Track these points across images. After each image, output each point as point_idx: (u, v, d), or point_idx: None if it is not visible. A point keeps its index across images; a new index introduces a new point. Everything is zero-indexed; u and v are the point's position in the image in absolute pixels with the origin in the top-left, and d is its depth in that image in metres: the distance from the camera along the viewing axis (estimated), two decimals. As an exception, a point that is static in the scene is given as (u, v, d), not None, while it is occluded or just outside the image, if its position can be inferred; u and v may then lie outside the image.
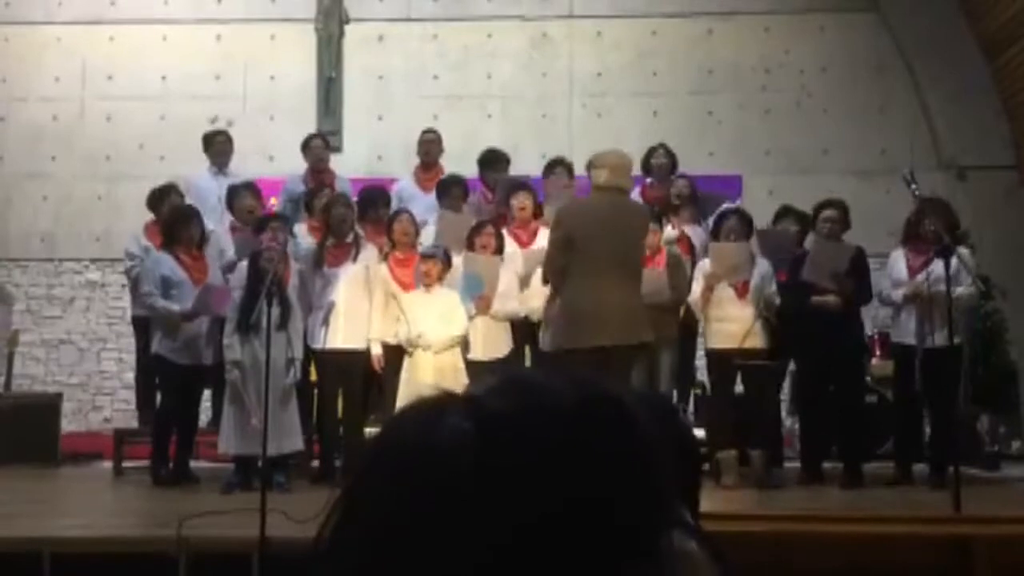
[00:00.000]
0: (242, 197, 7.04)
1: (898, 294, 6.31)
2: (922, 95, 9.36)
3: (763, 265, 6.40)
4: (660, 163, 7.32)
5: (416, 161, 7.80)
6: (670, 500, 0.69)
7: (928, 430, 6.47)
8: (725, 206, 7.14)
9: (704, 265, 6.46)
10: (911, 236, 6.37)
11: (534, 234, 6.70)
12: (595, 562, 0.63)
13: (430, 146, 7.69)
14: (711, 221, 7.08)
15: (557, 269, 5.39)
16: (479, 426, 0.64)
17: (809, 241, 6.70)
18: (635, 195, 7.32)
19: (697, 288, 6.38)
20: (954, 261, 5.84)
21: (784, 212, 6.93)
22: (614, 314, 5.15)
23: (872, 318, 6.81)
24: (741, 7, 9.53)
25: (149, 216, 7.25)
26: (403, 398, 6.11)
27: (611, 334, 5.14)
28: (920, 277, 6.17)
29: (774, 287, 6.37)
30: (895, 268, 6.40)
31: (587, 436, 0.65)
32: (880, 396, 7.06)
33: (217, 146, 7.74)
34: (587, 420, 0.66)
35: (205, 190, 7.50)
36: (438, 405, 0.68)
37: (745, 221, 6.58)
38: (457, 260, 6.51)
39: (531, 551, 0.61)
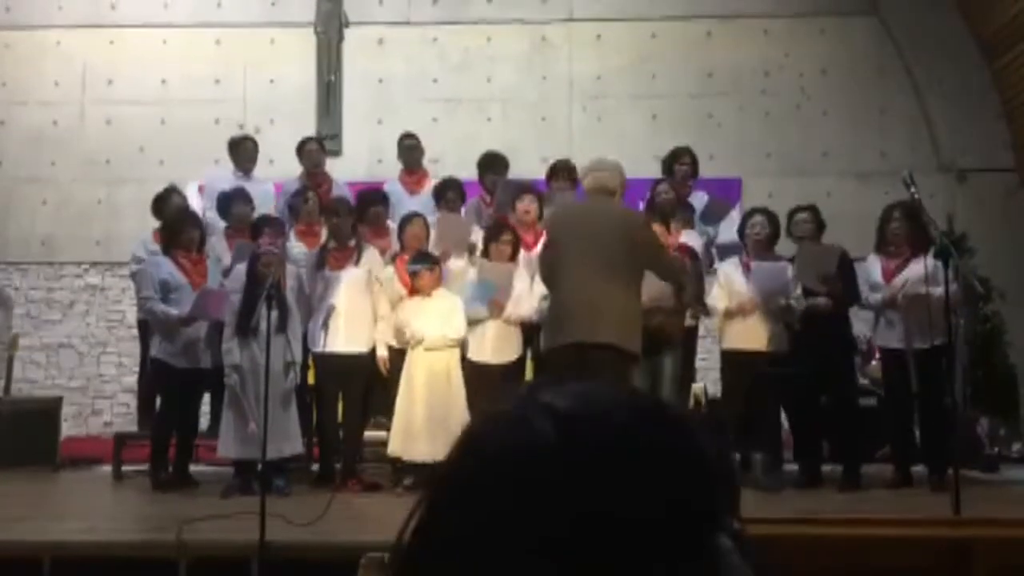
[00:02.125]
0: (236, 204, 7.05)
1: (876, 298, 6.36)
2: (922, 98, 9.37)
3: (788, 269, 6.43)
4: (683, 169, 7.30)
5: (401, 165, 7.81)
6: (723, 501, 0.76)
7: (919, 432, 6.48)
8: (737, 204, 7.15)
9: (729, 273, 6.45)
10: (882, 241, 6.42)
11: (539, 237, 6.68)
12: (657, 556, 0.68)
13: (411, 153, 7.69)
14: (720, 227, 7.07)
15: (545, 272, 5.50)
16: (556, 426, 0.70)
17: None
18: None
19: (718, 298, 6.42)
20: (931, 262, 5.88)
21: (752, 213, 6.92)
22: (585, 312, 5.08)
23: (865, 321, 6.83)
24: (741, 10, 9.54)
25: (153, 220, 7.25)
26: (400, 398, 6.14)
27: (579, 331, 5.08)
28: (898, 280, 6.24)
29: (799, 291, 6.38)
30: (871, 273, 6.46)
31: (657, 435, 0.71)
32: (879, 398, 7.07)
33: (244, 151, 7.75)
34: (647, 419, 0.72)
35: None
36: (516, 411, 0.73)
37: (772, 220, 6.58)
38: (460, 263, 6.51)
39: (605, 541, 0.67)
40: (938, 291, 5.94)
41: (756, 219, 6.55)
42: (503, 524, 0.68)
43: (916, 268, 6.17)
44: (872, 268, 6.48)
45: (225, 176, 7.72)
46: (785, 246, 6.76)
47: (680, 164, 7.29)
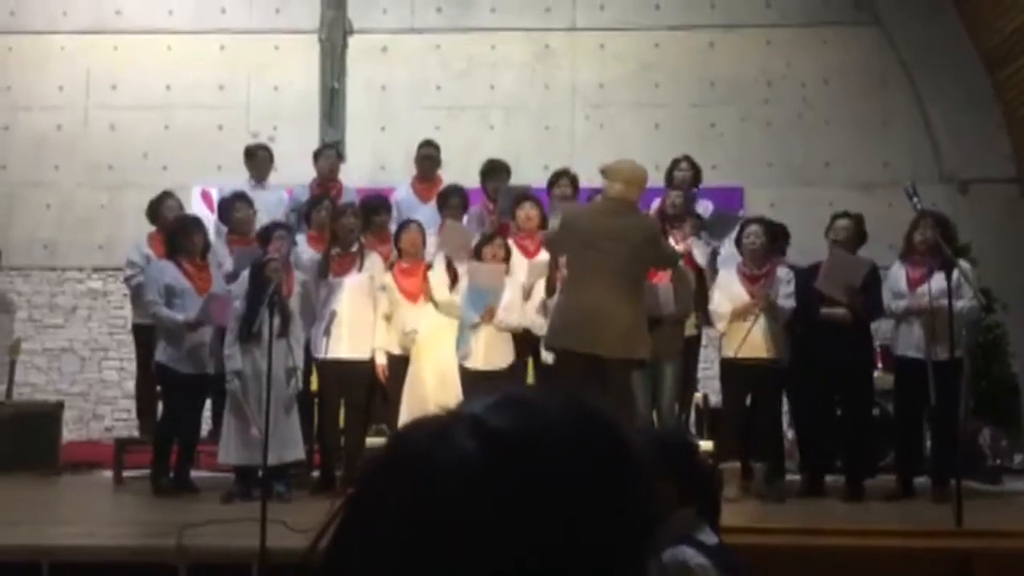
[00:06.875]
0: (237, 209, 7.04)
1: (899, 305, 6.33)
2: (924, 108, 9.38)
3: (783, 272, 6.41)
4: (683, 175, 7.30)
5: (415, 170, 7.80)
6: (659, 521, 0.74)
7: (928, 443, 6.46)
8: (741, 213, 7.14)
9: (726, 282, 6.45)
10: (909, 250, 6.41)
11: (539, 245, 6.68)
12: None
13: (428, 162, 7.64)
14: (724, 241, 7.07)
15: (552, 248, 5.71)
16: (482, 446, 0.68)
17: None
18: (654, 207, 7.29)
19: (720, 303, 6.39)
20: (955, 274, 5.87)
21: (750, 222, 6.91)
22: (606, 325, 5.17)
23: (874, 330, 6.80)
24: (743, 20, 9.56)
25: (150, 226, 7.27)
26: (404, 410, 6.15)
27: (604, 346, 5.17)
28: (922, 290, 6.19)
29: (790, 289, 6.36)
30: (895, 281, 6.42)
31: (581, 458, 0.70)
32: (882, 409, 7.06)
33: (258, 160, 7.76)
34: (581, 442, 0.71)
35: None
36: (442, 423, 0.72)
37: (768, 229, 6.56)
38: (462, 269, 6.52)
39: (527, 569, 0.66)
40: (959, 303, 5.91)
41: (752, 228, 6.53)
42: (420, 539, 0.66)
43: (941, 278, 6.12)
44: (898, 276, 6.44)
45: (239, 184, 7.73)
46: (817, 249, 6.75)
47: (679, 170, 7.31)
